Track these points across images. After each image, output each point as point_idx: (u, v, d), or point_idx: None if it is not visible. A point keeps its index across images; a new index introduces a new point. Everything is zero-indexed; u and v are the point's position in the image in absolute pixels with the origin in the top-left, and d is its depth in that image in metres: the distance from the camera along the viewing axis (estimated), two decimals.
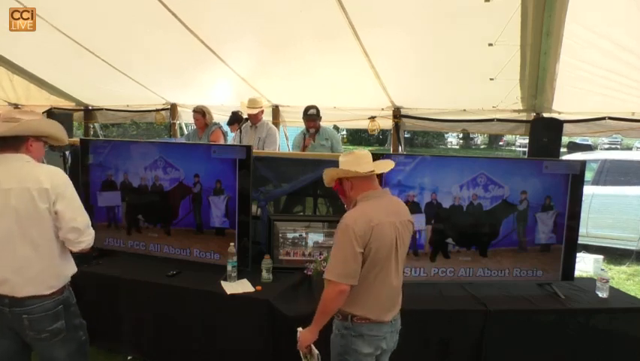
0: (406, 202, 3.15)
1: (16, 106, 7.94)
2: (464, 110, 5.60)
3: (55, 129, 2.37)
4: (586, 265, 6.14)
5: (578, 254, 4.83)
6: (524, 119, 5.36)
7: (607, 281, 3.42)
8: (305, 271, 3.34)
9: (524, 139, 8.49)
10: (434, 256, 3.42)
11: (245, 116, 5.24)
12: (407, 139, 7.51)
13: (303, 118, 5.12)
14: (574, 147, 18.43)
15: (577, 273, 3.91)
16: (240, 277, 3.36)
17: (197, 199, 3.61)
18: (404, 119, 6.03)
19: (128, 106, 7.56)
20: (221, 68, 5.73)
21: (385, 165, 2.45)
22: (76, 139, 4.27)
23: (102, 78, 6.50)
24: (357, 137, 28.51)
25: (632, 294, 4.12)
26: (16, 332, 2.25)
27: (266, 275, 3.40)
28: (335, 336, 2.33)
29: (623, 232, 6.99)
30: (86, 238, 2.30)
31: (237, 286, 3.26)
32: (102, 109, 7.76)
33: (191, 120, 5.76)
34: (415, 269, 3.38)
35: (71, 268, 2.40)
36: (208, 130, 5.36)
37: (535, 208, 3.42)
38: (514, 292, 3.44)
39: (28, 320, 2.20)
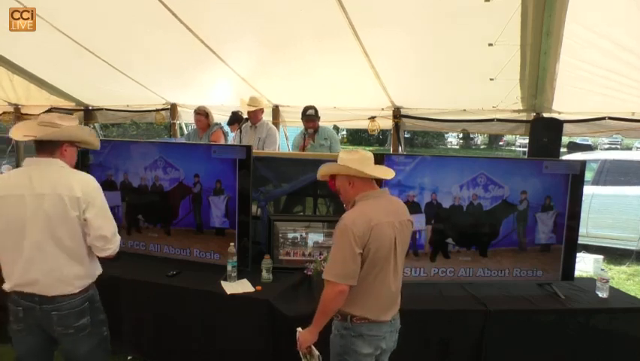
0: (406, 202, 3.15)
1: (16, 106, 7.96)
2: (464, 110, 5.59)
3: (89, 136, 2.50)
4: (586, 265, 6.15)
5: (578, 254, 4.84)
6: (524, 119, 5.35)
7: (607, 281, 3.42)
8: (305, 271, 3.34)
9: (524, 139, 8.47)
10: (434, 256, 3.42)
11: (244, 115, 5.23)
12: (407, 139, 7.50)
13: (302, 118, 5.13)
14: (574, 147, 18.44)
15: (577, 273, 3.91)
16: (240, 277, 3.36)
17: (197, 199, 3.61)
18: (404, 120, 6.02)
19: (128, 106, 7.55)
20: (221, 68, 5.73)
21: (387, 173, 2.44)
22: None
23: (102, 78, 6.50)
24: (357, 137, 28.50)
25: (632, 294, 4.12)
26: (44, 328, 2.33)
27: (266, 275, 3.40)
28: (334, 336, 2.33)
29: (623, 232, 6.99)
30: (112, 246, 2.39)
31: (237, 286, 3.26)
32: (102, 109, 7.75)
33: (191, 120, 5.76)
34: (415, 269, 3.38)
35: (98, 269, 2.50)
36: (209, 130, 5.36)
37: (535, 208, 3.42)
38: (514, 292, 3.44)
39: (57, 316, 2.29)
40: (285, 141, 6.87)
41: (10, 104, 7.98)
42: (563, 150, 9.29)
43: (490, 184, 3.38)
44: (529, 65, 4.24)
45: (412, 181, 3.34)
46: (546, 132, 4.82)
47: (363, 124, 6.32)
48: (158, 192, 3.70)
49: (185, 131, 7.25)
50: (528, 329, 3.16)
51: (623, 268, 6.54)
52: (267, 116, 5.90)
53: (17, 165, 5.01)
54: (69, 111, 7.54)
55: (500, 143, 32.16)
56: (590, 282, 3.68)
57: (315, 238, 3.62)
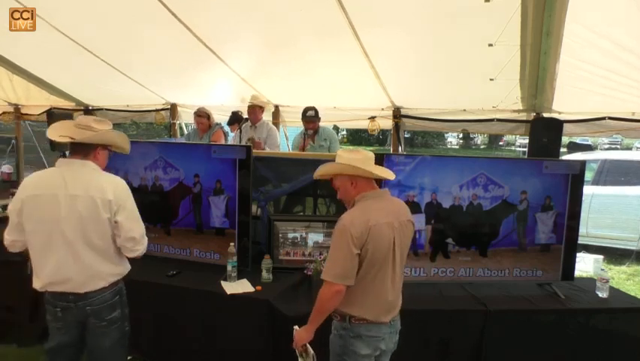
0: (406, 202, 3.14)
1: (16, 106, 7.96)
2: (464, 110, 5.59)
3: (122, 140, 2.57)
4: (586, 265, 6.15)
5: (578, 254, 4.84)
6: (524, 119, 5.35)
7: (607, 281, 3.42)
8: (305, 271, 3.34)
9: (524, 139, 8.48)
10: (434, 256, 3.42)
11: (245, 115, 5.23)
12: (407, 139, 7.50)
13: (302, 119, 5.13)
14: (574, 147, 18.43)
15: (577, 273, 3.91)
16: (240, 277, 3.36)
17: (197, 199, 3.61)
18: (404, 119, 6.02)
19: (128, 106, 7.54)
20: (221, 68, 5.73)
21: (388, 174, 2.43)
22: None
23: (102, 78, 6.49)
24: (357, 137, 28.49)
25: (632, 294, 4.12)
26: (82, 322, 2.42)
27: (266, 275, 3.40)
28: (334, 336, 2.34)
29: (623, 232, 7.00)
30: (141, 247, 2.49)
31: (237, 286, 3.26)
32: (102, 109, 7.74)
33: (191, 120, 5.75)
34: (415, 269, 3.38)
35: (127, 267, 2.58)
36: (210, 131, 5.36)
37: (535, 208, 3.43)
38: (514, 292, 3.44)
39: (90, 310, 2.40)
40: (285, 141, 6.88)
41: (10, 104, 7.97)
42: (563, 150, 9.28)
43: (490, 184, 3.38)
44: (529, 65, 4.24)
45: (412, 181, 3.34)
46: (546, 132, 4.82)
47: (363, 124, 6.32)
48: (158, 192, 3.70)
49: (185, 131, 7.25)
50: (528, 329, 3.16)
51: (623, 268, 6.55)
52: (267, 117, 5.90)
53: (17, 165, 5.01)
54: (69, 111, 7.55)
55: (500, 143, 32.17)
56: (590, 282, 3.68)
57: (315, 238, 3.62)
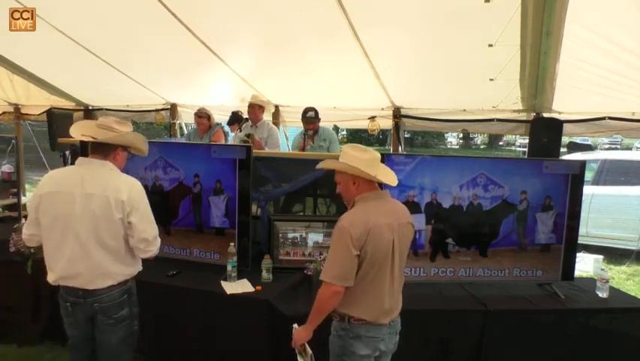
0: (406, 202, 3.16)
1: (16, 106, 7.96)
2: (464, 110, 5.59)
3: (141, 142, 2.60)
4: (586, 265, 6.15)
5: (578, 254, 4.84)
6: (524, 119, 5.35)
7: (607, 281, 3.42)
8: (305, 271, 3.34)
9: (524, 139, 8.48)
10: (434, 256, 3.42)
11: (245, 115, 5.23)
12: (407, 139, 7.51)
13: (302, 120, 5.12)
14: (574, 147, 18.42)
15: (577, 273, 3.91)
16: (240, 277, 3.36)
17: (197, 199, 3.61)
18: (404, 119, 6.02)
19: (128, 106, 7.55)
20: (221, 68, 5.73)
21: (391, 179, 2.38)
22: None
23: (102, 78, 6.50)
24: (357, 137, 28.37)
25: (632, 294, 4.12)
26: (91, 317, 2.46)
27: (266, 275, 3.40)
28: (333, 337, 2.34)
29: (623, 232, 7.00)
30: (153, 248, 2.51)
31: (237, 286, 3.26)
32: (102, 109, 7.75)
33: (191, 120, 5.75)
34: (415, 269, 3.38)
35: (138, 267, 2.61)
36: (211, 131, 5.36)
37: (535, 208, 3.43)
38: (514, 292, 3.44)
39: (99, 307, 2.43)
40: (285, 141, 6.88)
41: (10, 104, 7.98)
42: (562, 150, 9.30)
43: (490, 184, 3.38)
44: (529, 65, 4.24)
45: (412, 181, 3.34)
46: (546, 132, 4.82)
47: (363, 124, 6.32)
48: (158, 192, 3.70)
49: (185, 131, 7.25)
50: (528, 329, 3.16)
51: (623, 268, 6.55)
52: (267, 117, 5.90)
53: (17, 165, 5.01)
54: (69, 111, 7.55)
55: (500, 143, 32.15)
56: (590, 282, 3.68)
57: (315, 238, 3.62)
